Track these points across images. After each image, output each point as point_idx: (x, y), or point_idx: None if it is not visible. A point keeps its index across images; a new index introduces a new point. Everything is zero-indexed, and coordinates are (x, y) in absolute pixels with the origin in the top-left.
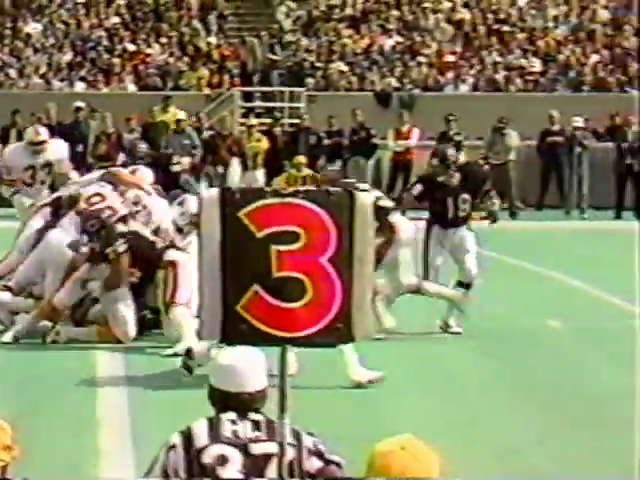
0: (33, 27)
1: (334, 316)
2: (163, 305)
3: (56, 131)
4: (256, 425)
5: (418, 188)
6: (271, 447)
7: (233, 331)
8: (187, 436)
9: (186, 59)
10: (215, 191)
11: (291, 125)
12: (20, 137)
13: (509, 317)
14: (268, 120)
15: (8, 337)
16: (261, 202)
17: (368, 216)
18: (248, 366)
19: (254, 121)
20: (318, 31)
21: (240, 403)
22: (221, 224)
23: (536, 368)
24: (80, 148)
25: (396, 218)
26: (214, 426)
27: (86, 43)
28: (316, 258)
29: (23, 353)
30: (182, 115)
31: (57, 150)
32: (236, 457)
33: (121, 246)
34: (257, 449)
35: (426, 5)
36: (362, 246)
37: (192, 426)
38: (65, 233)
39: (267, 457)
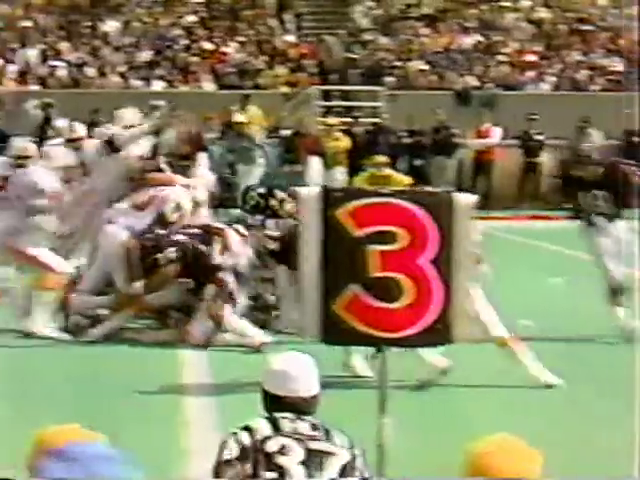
0: (111, 25)
1: (434, 317)
2: (211, 318)
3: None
4: (313, 426)
5: None
6: (330, 447)
7: (332, 331)
8: (248, 429)
9: (263, 58)
10: (314, 189)
11: (371, 124)
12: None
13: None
14: (347, 119)
15: (95, 335)
16: (361, 201)
17: (469, 217)
18: (301, 371)
19: (334, 120)
20: (396, 30)
21: (293, 408)
22: (320, 223)
23: None
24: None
25: None
26: (272, 422)
27: (164, 42)
28: (416, 259)
29: (103, 353)
30: (241, 117)
31: (93, 148)
32: (298, 449)
33: (172, 254)
34: (317, 445)
35: (505, 4)
36: (463, 247)
37: (250, 423)
38: (121, 227)
39: (327, 454)
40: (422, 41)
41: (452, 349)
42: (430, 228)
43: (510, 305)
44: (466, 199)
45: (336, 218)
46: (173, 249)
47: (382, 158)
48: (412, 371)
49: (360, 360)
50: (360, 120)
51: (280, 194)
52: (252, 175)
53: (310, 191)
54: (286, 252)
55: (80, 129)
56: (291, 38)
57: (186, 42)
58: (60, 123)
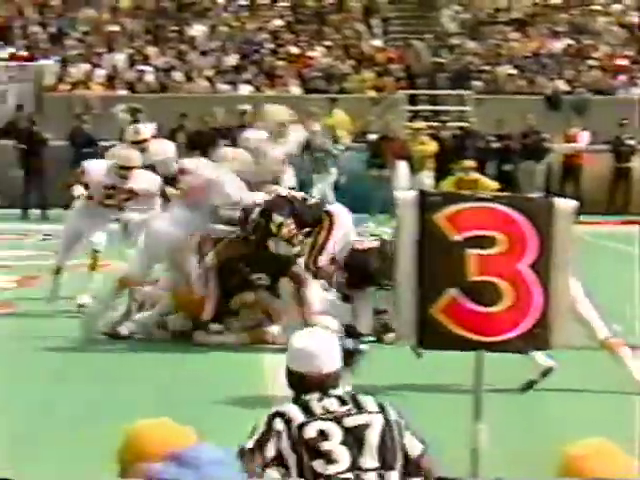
0: (197, 29)
1: (533, 322)
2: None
3: (223, 134)
4: (341, 400)
5: None
6: (363, 418)
7: (430, 335)
8: (281, 414)
9: (350, 62)
10: (412, 194)
11: (458, 128)
12: (188, 140)
13: None
14: (435, 123)
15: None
16: (459, 206)
17: (569, 223)
18: (323, 348)
19: (421, 124)
20: (484, 34)
21: (317, 384)
22: (417, 227)
23: None
24: None
25: None
26: (303, 406)
27: (250, 46)
28: (515, 263)
29: (175, 353)
30: (317, 127)
31: (161, 150)
32: (336, 431)
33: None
34: (351, 422)
35: (595, 8)
36: (562, 253)
37: (282, 409)
38: (169, 221)
39: (363, 427)
40: (511, 45)
41: (550, 352)
42: (529, 233)
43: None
44: (566, 204)
45: (434, 222)
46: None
47: (470, 162)
48: (507, 374)
49: None
50: (447, 124)
51: (278, 218)
52: (324, 183)
53: (407, 195)
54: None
55: (146, 131)
56: (378, 42)
57: (272, 46)
58: (149, 128)
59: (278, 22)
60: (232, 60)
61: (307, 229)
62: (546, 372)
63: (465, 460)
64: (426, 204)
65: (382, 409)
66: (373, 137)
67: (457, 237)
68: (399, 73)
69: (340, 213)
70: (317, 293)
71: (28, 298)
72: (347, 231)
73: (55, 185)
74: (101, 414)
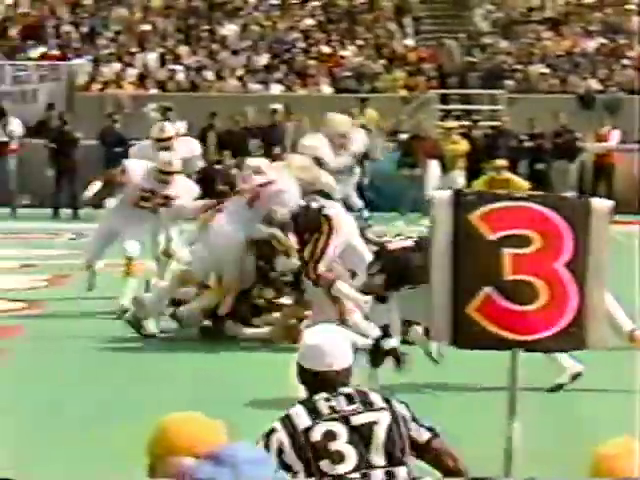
0: (229, 29)
1: (569, 321)
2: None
3: (253, 133)
4: (349, 398)
5: None
6: (370, 416)
7: (464, 334)
8: (287, 419)
9: (382, 61)
10: (447, 193)
11: (490, 127)
12: (219, 139)
13: None
14: (467, 122)
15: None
16: (494, 205)
17: (605, 223)
18: (334, 345)
19: (453, 123)
20: (517, 33)
21: (329, 381)
22: (453, 226)
23: None
24: (277, 150)
25: None
26: (310, 407)
27: (282, 45)
28: (550, 262)
29: (205, 351)
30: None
31: (186, 148)
32: (341, 430)
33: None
34: (357, 420)
35: (630, 7)
36: (598, 252)
37: (289, 412)
38: (230, 218)
39: (369, 425)
40: (544, 44)
41: (581, 352)
42: (565, 232)
43: (633, 310)
44: (602, 204)
45: (469, 222)
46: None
47: (502, 162)
48: (540, 374)
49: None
50: (479, 123)
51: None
52: (347, 185)
53: (443, 195)
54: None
55: (171, 129)
56: (410, 42)
57: (304, 45)
58: (180, 127)
59: (309, 21)
60: (263, 59)
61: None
62: (575, 376)
63: (498, 459)
64: (461, 203)
65: (389, 404)
66: (404, 136)
67: (492, 236)
68: (431, 72)
69: (340, 217)
70: (350, 290)
71: (58, 298)
72: (348, 236)
73: (85, 184)
74: (125, 413)
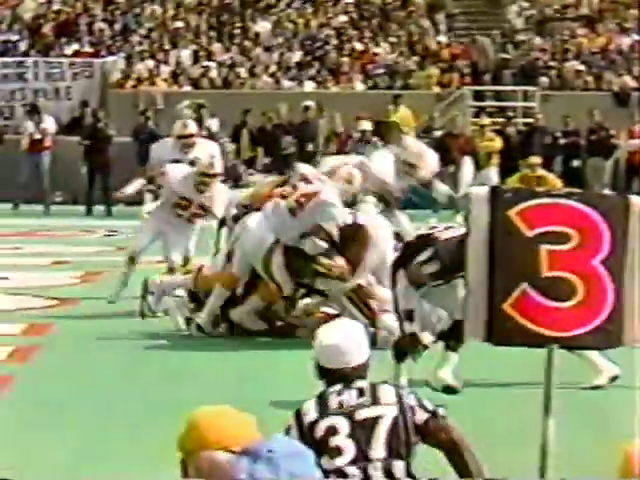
0: (262, 26)
1: (605, 318)
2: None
3: (286, 130)
4: (360, 392)
5: None
6: (375, 411)
7: (499, 330)
8: (298, 414)
9: (415, 58)
10: (485, 189)
11: (524, 124)
12: (252, 137)
13: None
14: (500, 119)
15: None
16: (532, 202)
17: None
18: (351, 343)
19: (486, 120)
20: (551, 30)
21: (345, 376)
22: (490, 223)
23: None
24: (310, 147)
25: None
26: (322, 401)
27: (314, 42)
28: (588, 259)
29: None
30: (367, 126)
31: (207, 148)
32: (343, 425)
33: None
34: (362, 414)
35: None
36: (635, 249)
37: (302, 405)
38: (265, 221)
39: (373, 419)
40: (579, 41)
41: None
42: (602, 230)
43: None
44: None
45: (507, 218)
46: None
47: (536, 159)
48: (576, 372)
49: (449, 372)
50: (513, 120)
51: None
52: None
53: (480, 191)
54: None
55: (193, 126)
56: (443, 38)
57: (336, 42)
58: (213, 124)
59: (342, 18)
60: (296, 56)
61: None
62: (614, 379)
63: (533, 457)
64: (499, 200)
65: (399, 398)
66: (438, 133)
67: (529, 233)
68: (464, 69)
69: (375, 224)
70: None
71: (91, 295)
72: (384, 247)
73: (119, 181)
74: (159, 411)
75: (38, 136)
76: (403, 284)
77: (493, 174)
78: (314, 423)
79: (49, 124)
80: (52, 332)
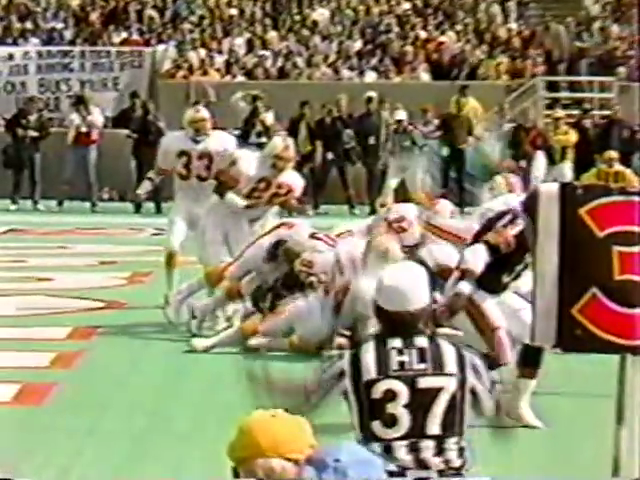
0: (320, 13)
1: None
2: None
3: (346, 123)
4: (422, 355)
5: None
6: (438, 381)
7: (568, 336)
8: (356, 366)
9: (483, 47)
10: (554, 186)
11: (601, 117)
12: (310, 130)
13: None
14: (576, 112)
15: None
16: (605, 200)
17: None
18: (411, 285)
19: (561, 113)
20: (630, 17)
21: (403, 322)
22: (560, 221)
23: None
24: (372, 141)
25: None
26: (381, 357)
27: (376, 30)
28: None
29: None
30: (402, 115)
31: (220, 140)
32: (404, 392)
33: None
34: (424, 383)
35: None
36: None
37: (360, 356)
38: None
39: (434, 391)
40: None
41: None
42: None
43: None
44: None
45: (578, 217)
46: None
47: (613, 154)
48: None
49: (527, 406)
50: (590, 113)
51: None
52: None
53: (550, 187)
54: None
55: (206, 112)
56: (514, 26)
57: (399, 31)
58: (268, 117)
59: (405, 5)
60: (356, 45)
61: None
62: None
63: (606, 465)
64: (570, 197)
65: (461, 366)
66: (508, 127)
67: (601, 233)
68: (537, 58)
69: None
70: None
71: (139, 297)
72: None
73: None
74: (215, 415)
75: (84, 129)
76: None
77: (567, 170)
78: (373, 382)
79: (96, 116)
80: (97, 337)
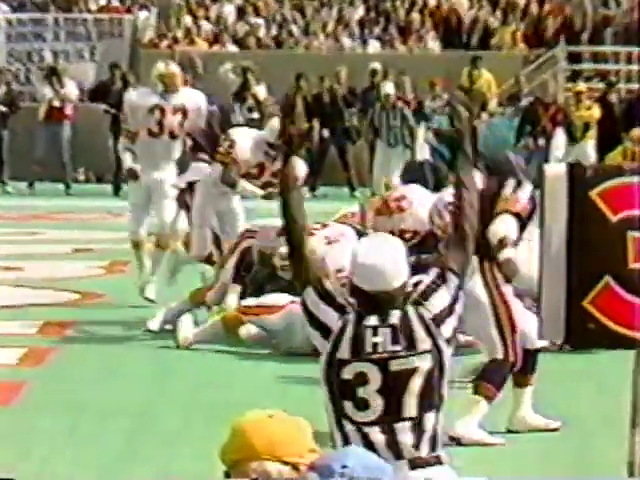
0: None
1: None
2: None
3: (347, 98)
4: (394, 334)
5: None
6: (412, 362)
7: (579, 331)
8: (339, 339)
9: (498, 14)
10: (562, 166)
11: (627, 91)
12: (307, 105)
13: None
14: (600, 85)
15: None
16: (617, 181)
17: None
18: (390, 262)
19: (583, 86)
20: None
21: (381, 301)
22: (568, 205)
23: None
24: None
25: None
26: (357, 337)
27: None
28: None
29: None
30: (390, 89)
31: (193, 97)
32: (376, 376)
33: None
34: (397, 366)
35: None
36: None
37: (347, 318)
38: None
39: (409, 372)
40: None
41: None
42: None
43: None
44: None
45: (591, 200)
46: None
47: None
48: None
49: (531, 413)
50: (615, 86)
51: None
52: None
53: (556, 168)
54: None
55: (175, 68)
56: None
57: None
58: (260, 90)
59: None
60: (358, 12)
61: None
62: None
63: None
64: (579, 179)
65: (434, 341)
66: (525, 101)
67: (614, 218)
68: (557, 26)
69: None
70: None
71: (117, 288)
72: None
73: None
74: (199, 420)
75: (57, 104)
76: None
77: (590, 148)
78: (345, 363)
79: (70, 90)
80: (71, 331)
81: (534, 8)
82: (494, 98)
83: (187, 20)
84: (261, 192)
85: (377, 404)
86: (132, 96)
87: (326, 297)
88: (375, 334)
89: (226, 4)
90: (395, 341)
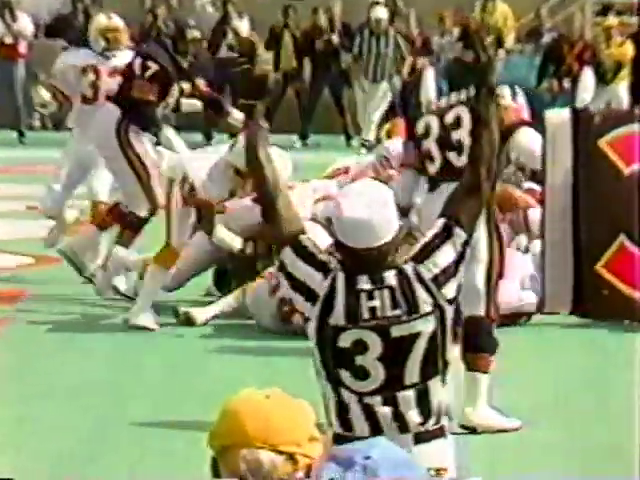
0: None
1: None
2: None
3: (342, 35)
4: (393, 297)
5: None
6: (414, 327)
7: (591, 298)
8: (330, 303)
9: None
10: (565, 112)
11: None
12: (295, 43)
13: None
14: (633, 19)
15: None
16: (630, 128)
17: None
18: (377, 217)
19: (613, 21)
20: None
21: (372, 258)
22: (573, 156)
23: None
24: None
25: None
26: (351, 301)
27: None
28: None
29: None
30: (382, 13)
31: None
32: (376, 343)
33: None
34: (399, 331)
35: None
36: None
37: (334, 295)
38: None
39: (412, 337)
40: None
41: None
42: None
43: None
44: None
45: (599, 150)
46: None
47: None
48: None
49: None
50: None
51: None
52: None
53: (559, 114)
54: None
55: (118, 20)
56: None
57: None
58: (242, 24)
59: None
60: None
61: None
62: None
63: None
64: (584, 126)
65: (435, 301)
66: (548, 38)
67: (627, 170)
68: None
69: None
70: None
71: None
72: None
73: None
74: (181, 401)
75: (9, 40)
76: None
77: (622, 91)
78: (341, 330)
79: (24, 24)
80: (24, 301)
81: None
82: (511, 33)
83: None
84: (239, 246)
85: (378, 372)
86: (64, 56)
87: (306, 255)
88: (371, 298)
89: None
90: (395, 305)
